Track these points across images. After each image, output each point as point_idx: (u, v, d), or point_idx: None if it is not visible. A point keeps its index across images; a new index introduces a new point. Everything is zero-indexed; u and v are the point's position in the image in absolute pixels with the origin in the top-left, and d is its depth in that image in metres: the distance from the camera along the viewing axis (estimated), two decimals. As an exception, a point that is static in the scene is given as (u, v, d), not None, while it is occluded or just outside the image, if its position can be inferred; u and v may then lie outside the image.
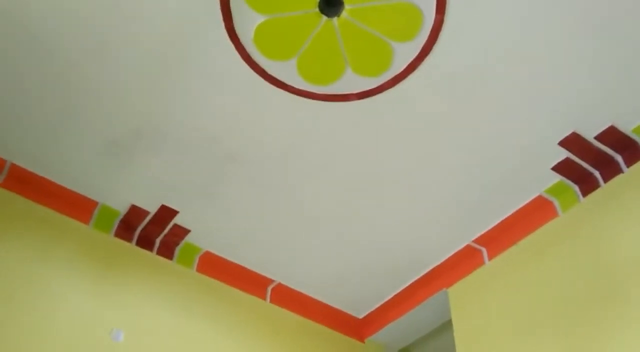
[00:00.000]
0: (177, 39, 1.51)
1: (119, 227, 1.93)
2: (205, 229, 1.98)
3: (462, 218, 1.93)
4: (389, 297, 2.20)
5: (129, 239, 1.94)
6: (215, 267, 2.05)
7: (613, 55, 1.51)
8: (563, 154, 1.73)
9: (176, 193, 1.88)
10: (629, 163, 1.69)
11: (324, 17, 1.46)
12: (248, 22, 1.47)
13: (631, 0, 1.40)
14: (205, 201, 1.89)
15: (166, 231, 1.97)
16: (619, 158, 1.72)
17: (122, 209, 1.92)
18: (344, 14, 1.45)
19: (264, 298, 2.12)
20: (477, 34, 1.48)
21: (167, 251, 2.00)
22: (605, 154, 1.72)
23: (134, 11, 1.46)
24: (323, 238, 2.01)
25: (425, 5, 1.42)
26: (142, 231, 1.96)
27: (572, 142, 1.69)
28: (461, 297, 1.98)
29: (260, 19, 1.46)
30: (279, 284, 2.15)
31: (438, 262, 2.07)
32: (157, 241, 1.99)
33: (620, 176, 1.70)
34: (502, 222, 1.92)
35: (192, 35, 1.50)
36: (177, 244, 2.01)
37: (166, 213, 1.92)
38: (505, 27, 1.46)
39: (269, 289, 2.14)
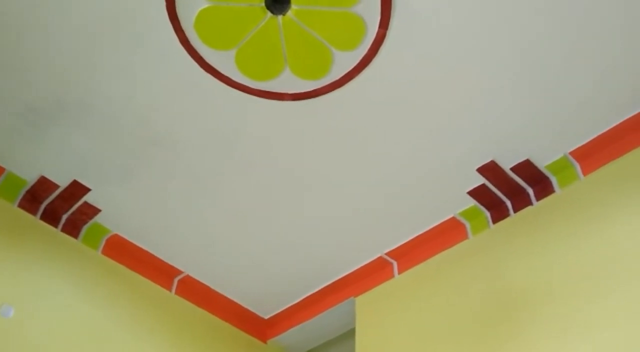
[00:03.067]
0: (115, 12, 1.45)
1: (24, 197, 1.83)
2: (116, 211, 1.91)
3: (378, 230, 1.96)
4: (297, 300, 2.21)
5: (33, 211, 1.84)
6: (122, 251, 1.98)
7: (540, 95, 1.58)
8: (480, 180, 1.80)
9: (91, 170, 1.79)
10: (539, 197, 1.78)
11: (269, 14, 1.44)
12: (191, 5, 1.43)
13: (566, 44, 1.48)
14: (121, 182, 1.82)
15: (74, 208, 1.88)
16: (530, 191, 1.81)
17: (31, 179, 1.82)
18: (290, 13, 1.44)
19: (170, 289, 2.06)
20: (414, 54, 1.51)
21: (72, 229, 1.91)
22: (518, 185, 1.80)
23: (70, -26, 1.39)
24: (238, 234, 1.98)
25: (369, 18, 1.44)
26: (48, 204, 1.86)
27: (490, 170, 1.76)
28: (367, 307, 2.01)
29: (203, 4, 1.43)
30: (187, 276, 2.11)
31: (350, 271, 2.10)
32: (64, 217, 1.90)
33: (529, 207, 1.79)
34: (416, 238, 1.97)
35: (131, 10, 1.44)
36: (84, 222, 1.92)
37: (77, 189, 1.84)
38: (442, 52, 1.51)
39: (176, 280, 2.09)
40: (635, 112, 1.62)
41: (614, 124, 1.65)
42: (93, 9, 1.45)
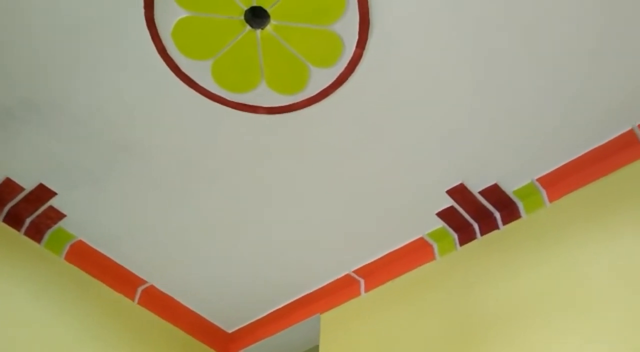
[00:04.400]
0: (93, 15, 1.44)
1: (-13, 199, 1.79)
2: (82, 217, 1.87)
3: (346, 247, 1.96)
4: (262, 315, 2.19)
5: (-4, 213, 1.81)
6: (86, 258, 1.94)
7: (511, 122, 1.62)
8: (449, 202, 1.82)
9: (58, 174, 1.76)
10: (505, 221, 1.81)
11: (248, 27, 1.45)
12: (169, 14, 1.43)
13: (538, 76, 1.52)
14: (89, 188, 1.79)
15: (39, 211, 1.84)
16: (497, 215, 1.84)
17: (-5, 180, 1.78)
18: (268, 28, 1.45)
19: (133, 299, 2.03)
20: (389, 75, 1.53)
21: (36, 233, 1.86)
22: (486, 209, 1.83)
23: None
24: (205, 246, 1.96)
25: (347, 38, 1.46)
26: (12, 207, 1.82)
27: (459, 192, 1.79)
28: (332, 324, 2.01)
29: (182, 13, 1.43)
30: (151, 286, 2.08)
31: (317, 287, 2.09)
32: (27, 221, 1.85)
33: (496, 231, 1.81)
34: (384, 256, 1.98)
35: (108, 15, 1.43)
36: (48, 227, 1.88)
37: (43, 193, 1.80)
38: (416, 75, 1.53)
39: (140, 290, 2.05)
40: (598, 145, 1.67)
41: (579, 155, 1.70)
42: (70, 11, 1.43)
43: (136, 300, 2.04)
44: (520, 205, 1.80)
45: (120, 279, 2.01)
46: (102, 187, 1.79)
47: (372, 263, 2.00)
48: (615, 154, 1.66)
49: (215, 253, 1.99)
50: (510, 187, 1.78)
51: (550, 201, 1.74)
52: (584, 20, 1.42)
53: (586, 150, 1.69)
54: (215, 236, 1.94)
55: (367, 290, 2.00)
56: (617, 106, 1.58)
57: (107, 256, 1.98)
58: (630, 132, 1.63)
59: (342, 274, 2.04)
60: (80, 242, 1.94)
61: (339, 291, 2.05)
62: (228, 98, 1.59)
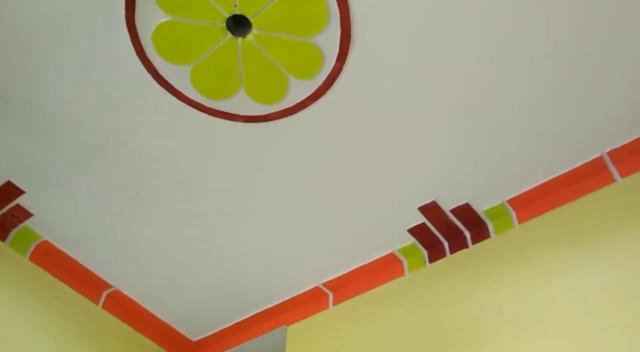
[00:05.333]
0: (73, 12, 1.42)
1: (-48, 195, 1.75)
2: (49, 217, 1.83)
3: (317, 259, 1.96)
4: (228, 324, 2.17)
5: (-40, 209, 1.76)
6: (51, 259, 1.90)
7: (485, 144, 1.64)
8: (420, 219, 1.83)
9: (27, 172, 1.73)
10: (474, 240, 1.83)
11: (229, 34, 1.45)
12: (150, 17, 1.42)
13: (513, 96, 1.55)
14: (58, 188, 1.76)
15: (5, 209, 1.80)
16: (467, 234, 1.86)
17: (-39, 176, 1.74)
18: (250, 36, 1.46)
19: (97, 303, 1.99)
20: (367, 91, 1.55)
21: (1, 231, 1.82)
22: (457, 227, 1.85)
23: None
24: (173, 253, 1.94)
25: (328, 51, 1.47)
26: (-23, 203, 1.79)
27: (430, 210, 1.80)
28: (298, 336, 2.00)
29: (163, 17, 1.42)
30: (117, 291, 2.04)
31: (285, 298, 2.08)
32: (-7, 219, 1.82)
33: (465, 250, 1.83)
34: (354, 271, 1.98)
35: (88, 14, 1.42)
36: (14, 225, 1.84)
37: (10, 190, 1.76)
38: (395, 92, 1.55)
39: (105, 294, 2.02)
40: (568, 170, 1.71)
41: (549, 178, 1.73)
42: (49, 7, 1.42)
43: (100, 304, 2.00)
44: (490, 225, 1.82)
45: (85, 282, 1.97)
46: (71, 188, 1.77)
47: (341, 276, 2.00)
48: (584, 179, 1.69)
49: (183, 260, 1.97)
50: (481, 207, 1.80)
51: (520, 222, 1.76)
52: (557, 51, 1.45)
53: (556, 175, 1.72)
54: (184, 242, 1.92)
55: (335, 303, 1.99)
56: (587, 133, 1.62)
57: (73, 258, 1.94)
58: (600, 159, 1.67)
59: (311, 287, 2.04)
60: (46, 243, 1.90)
61: (307, 303, 2.04)
62: (205, 104, 1.58)
